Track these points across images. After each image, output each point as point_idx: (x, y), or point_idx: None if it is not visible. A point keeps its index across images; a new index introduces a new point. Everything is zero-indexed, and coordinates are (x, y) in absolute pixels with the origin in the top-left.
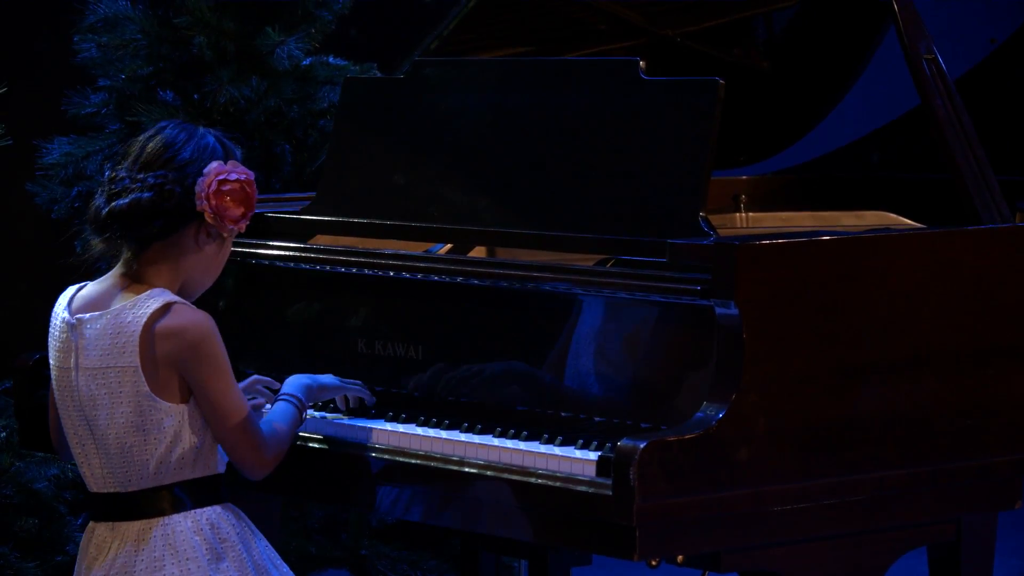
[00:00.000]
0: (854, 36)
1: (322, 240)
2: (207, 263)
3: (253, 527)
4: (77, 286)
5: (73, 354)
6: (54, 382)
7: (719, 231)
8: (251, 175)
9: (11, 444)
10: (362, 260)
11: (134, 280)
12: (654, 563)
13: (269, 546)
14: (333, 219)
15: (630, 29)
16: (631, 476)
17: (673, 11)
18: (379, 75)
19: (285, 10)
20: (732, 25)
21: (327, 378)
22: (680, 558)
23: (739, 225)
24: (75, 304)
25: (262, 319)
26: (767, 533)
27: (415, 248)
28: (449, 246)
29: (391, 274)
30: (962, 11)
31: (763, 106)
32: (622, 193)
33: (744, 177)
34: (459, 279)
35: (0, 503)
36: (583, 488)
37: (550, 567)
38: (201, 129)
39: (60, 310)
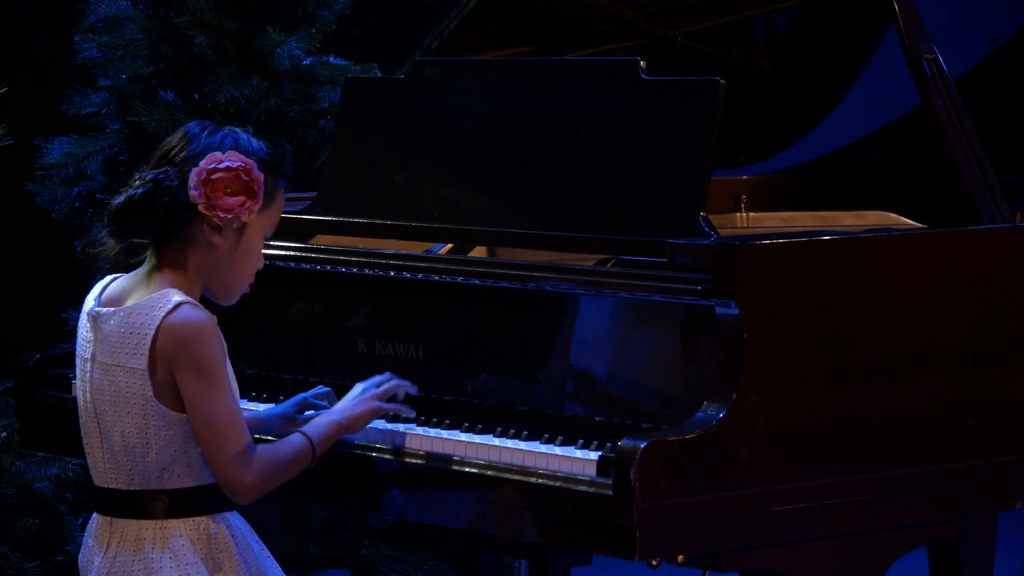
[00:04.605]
0: (855, 36)
1: (323, 240)
2: (225, 259)
3: (254, 537)
4: (111, 277)
5: (91, 345)
6: (76, 370)
7: (720, 231)
8: (250, 162)
9: (11, 444)
10: (363, 260)
11: (155, 279)
12: (655, 563)
13: (270, 556)
14: (334, 219)
15: (631, 29)
16: (632, 476)
17: (674, 11)
18: (380, 75)
19: (286, 10)
20: (733, 25)
21: (361, 406)
22: (681, 558)
23: (740, 225)
24: (104, 296)
25: (262, 319)
26: (767, 533)
27: (416, 248)
28: (450, 246)
29: (392, 274)
30: (963, 11)
31: (764, 106)
32: (623, 193)
33: (744, 177)
34: (460, 279)
35: (1, 503)
36: (583, 488)
37: (551, 567)
38: (225, 129)
39: (90, 299)
